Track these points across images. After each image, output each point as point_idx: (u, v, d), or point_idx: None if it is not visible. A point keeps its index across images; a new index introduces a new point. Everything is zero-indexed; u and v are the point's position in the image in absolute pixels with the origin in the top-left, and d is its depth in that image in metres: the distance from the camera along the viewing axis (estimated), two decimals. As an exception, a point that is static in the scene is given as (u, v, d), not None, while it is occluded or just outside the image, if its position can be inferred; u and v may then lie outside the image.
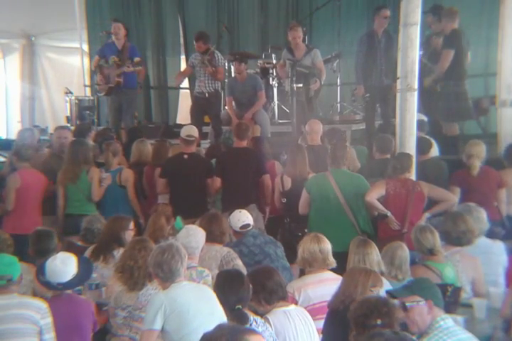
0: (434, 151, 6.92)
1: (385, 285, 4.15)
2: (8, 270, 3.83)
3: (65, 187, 6.51)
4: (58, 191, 6.53)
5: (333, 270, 4.61)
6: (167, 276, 3.86)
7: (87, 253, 5.15)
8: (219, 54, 8.95)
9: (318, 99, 9.85)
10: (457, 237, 5.06)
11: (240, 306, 3.60)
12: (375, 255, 4.57)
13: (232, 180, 6.57)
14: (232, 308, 3.60)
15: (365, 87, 8.38)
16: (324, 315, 4.06)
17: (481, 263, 5.04)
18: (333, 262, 4.59)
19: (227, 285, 3.68)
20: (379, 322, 3.10)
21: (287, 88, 8.78)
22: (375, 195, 5.73)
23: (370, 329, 3.08)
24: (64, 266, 4.07)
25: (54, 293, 4.15)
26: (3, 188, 6.54)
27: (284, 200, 6.27)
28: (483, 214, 5.44)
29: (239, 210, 5.42)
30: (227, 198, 6.59)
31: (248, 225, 5.31)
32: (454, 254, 5.01)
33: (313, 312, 4.18)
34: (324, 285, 4.44)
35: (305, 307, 4.22)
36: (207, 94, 8.79)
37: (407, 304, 3.38)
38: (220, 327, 2.29)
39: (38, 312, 3.74)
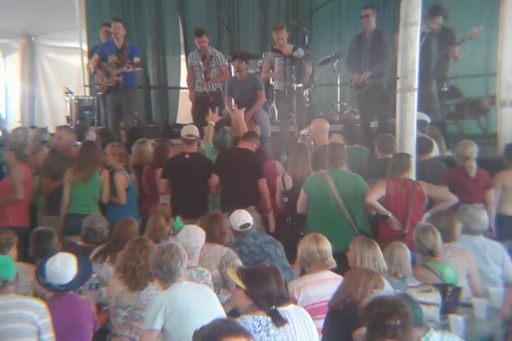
0: (435, 151, 6.92)
1: (386, 287, 4.15)
2: (3, 272, 3.81)
3: (72, 187, 6.50)
4: (65, 189, 6.52)
5: (332, 270, 4.61)
6: (167, 276, 3.87)
7: (94, 253, 5.17)
8: (220, 54, 8.94)
9: (317, 99, 9.92)
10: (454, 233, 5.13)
11: (274, 306, 3.57)
12: (381, 253, 4.59)
13: (231, 180, 6.53)
14: (265, 306, 3.53)
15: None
16: (324, 315, 4.06)
17: (472, 258, 5.07)
18: (332, 262, 4.58)
19: (262, 281, 3.57)
20: (398, 322, 3.10)
21: (277, 87, 8.80)
22: (375, 196, 5.73)
23: (390, 329, 3.08)
24: (64, 267, 4.06)
25: (54, 293, 4.15)
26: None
27: (286, 200, 6.27)
28: (480, 213, 5.44)
29: (239, 210, 5.42)
30: (226, 199, 6.55)
31: (248, 225, 5.31)
32: (445, 250, 5.02)
33: (313, 311, 4.16)
34: (324, 285, 4.44)
35: (305, 307, 4.21)
36: (209, 94, 8.77)
37: None
38: (203, 327, 2.29)
39: (37, 312, 3.74)
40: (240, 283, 3.57)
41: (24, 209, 6.71)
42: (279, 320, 3.52)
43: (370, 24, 8.20)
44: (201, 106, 8.91)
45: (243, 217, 5.33)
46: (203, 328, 2.29)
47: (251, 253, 5.20)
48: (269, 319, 3.51)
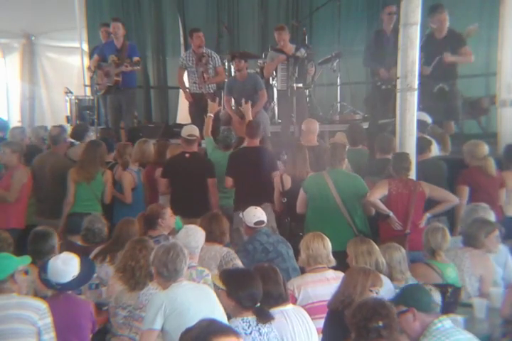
0: (434, 151, 6.92)
1: (386, 285, 4.15)
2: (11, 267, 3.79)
3: (76, 185, 6.50)
4: (69, 189, 6.51)
5: (332, 268, 4.64)
6: (171, 275, 3.85)
7: (93, 253, 5.16)
8: (216, 54, 8.95)
9: (317, 99, 9.90)
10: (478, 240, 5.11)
11: (259, 304, 3.57)
12: (377, 248, 4.61)
13: (245, 179, 6.51)
14: (249, 305, 3.56)
15: (372, 86, 8.42)
16: (324, 315, 4.06)
17: (492, 262, 5.09)
18: (333, 260, 4.63)
19: (241, 281, 3.62)
20: (380, 324, 3.12)
21: (279, 87, 8.81)
22: (378, 195, 5.74)
23: (373, 331, 3.10)
24: (65, 266, 4.06)
25: (53, 292, 4.15)
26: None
27: (285, 200, 6.27)
28: (490, 214, 5.47)
29: (254, 207, 5.43)
30: (240, 197, 6.53)
31: (262, 222, 5.31)
32: (464, 252, 5.08)
33: (312, 311, 4.17)
34: (325, 285, 4.46)
35: (304, 306, 4.22)
36: (206, 95, 8.77)
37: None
38: (189, 328, 2.27)
39: (37, 313, 3.71)
40: (221, 285, 3.60)
41: (22, 210, 6.68)
42: (264, 317, 3.53)
43: (393, 21, 8.20)
44: (198, 107, 8.88)
45: (258, 213, 5.33)
46: (189, 330, 2.27)
47: (265, 250, 5.21)
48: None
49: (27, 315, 3.68)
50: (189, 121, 9.29)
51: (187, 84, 9.27)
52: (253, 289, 3.56)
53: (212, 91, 8.85)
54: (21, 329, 3.67)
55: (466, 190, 6.21)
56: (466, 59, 8.06)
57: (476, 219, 5.32)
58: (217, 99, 7.71)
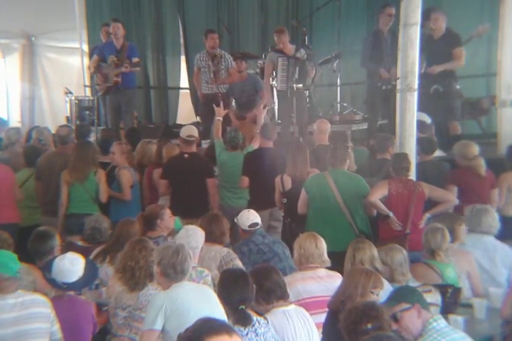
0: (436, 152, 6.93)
1: (386, 286, 4.15)
2: (16, 264, 3.79)
3: (70, 187, 6.51)
4: (62, 190, 6.51)
5: (331, 269, 4.63)
6: (177, 277, 3.83)
7: (94, 254, 5.15)
8: (229, 55, 8.97)
9: (316, 99, 9.90)
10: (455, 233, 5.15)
11: (244, 306, 3.58)
12: (367, 251, 4.58)
13: (259, 180, 6.53)
14: (235, 308, 3.58)
15: (369, 87, 8.41)
16: (316, 311, 4.11)
17: (474, 258, 5.10)
18: (327, 261, 4.62)
19: (231, 285, 3.65)
20: (369, 326, 3.11)
21: (279, 87, 8.81)
22: (378, 195, 5.74)
23: (363, 334, 3.09)
24: (72, 266, 4.07)
25: (56, 292, 4.15)
26: None
27: (285, 201, 6.27)
28: (495, 214, 5.48)
29: (247, 209, 5.45)
30: (255, 199, 6.55)
31: (256, 224, 5.33)
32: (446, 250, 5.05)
33: (305, 307, 4.17)
34: (316, 282, 4.48)
35: (296, 302, 4.22)
36: (220, 95, 8.77)
37: (396, 313, 3.40)
38: (187, 329, 2.26)
39: (48, 307, 3.76)
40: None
41: (11, 204, 6.65)
42: (242, 320, 3.54)
43: (391, 23, 8.22)
44: (209, 107, 8.86)
45: (252, 216, 5.35)
46: (187, 330, 2.25)
47: (260, 252, 5.22)
48: (253, 319, 3.53)
49: (47, 312, 3.73)
50: (189, 121, 9.30)
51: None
52: (236, 291, 3.60)
53: (224, 91, 8.87)
54: (39, 329, 3.69)
55: (454, 190, 6.18)
56: (455, 64, 7.98)
57: (444, 215, 5.36)
58: (221, 102, 7.70)
